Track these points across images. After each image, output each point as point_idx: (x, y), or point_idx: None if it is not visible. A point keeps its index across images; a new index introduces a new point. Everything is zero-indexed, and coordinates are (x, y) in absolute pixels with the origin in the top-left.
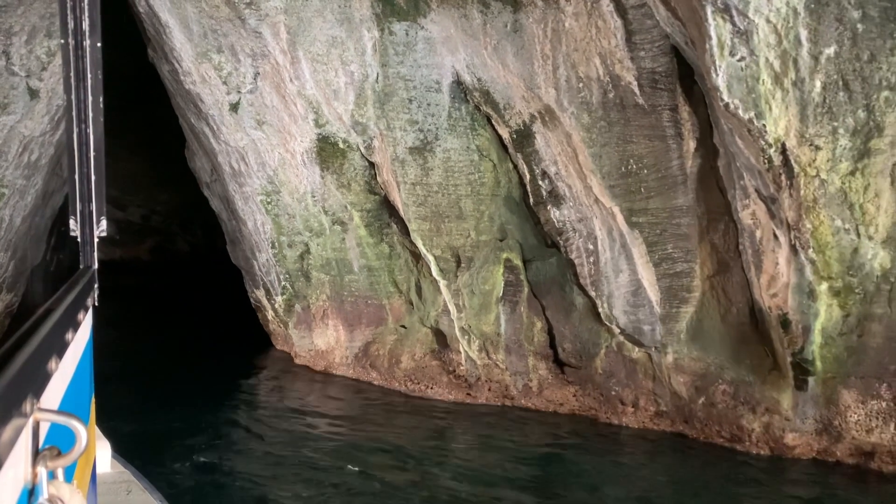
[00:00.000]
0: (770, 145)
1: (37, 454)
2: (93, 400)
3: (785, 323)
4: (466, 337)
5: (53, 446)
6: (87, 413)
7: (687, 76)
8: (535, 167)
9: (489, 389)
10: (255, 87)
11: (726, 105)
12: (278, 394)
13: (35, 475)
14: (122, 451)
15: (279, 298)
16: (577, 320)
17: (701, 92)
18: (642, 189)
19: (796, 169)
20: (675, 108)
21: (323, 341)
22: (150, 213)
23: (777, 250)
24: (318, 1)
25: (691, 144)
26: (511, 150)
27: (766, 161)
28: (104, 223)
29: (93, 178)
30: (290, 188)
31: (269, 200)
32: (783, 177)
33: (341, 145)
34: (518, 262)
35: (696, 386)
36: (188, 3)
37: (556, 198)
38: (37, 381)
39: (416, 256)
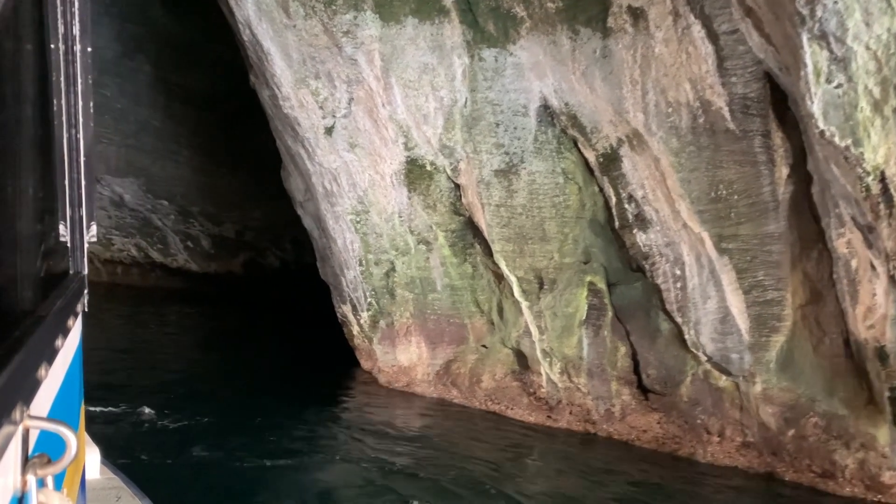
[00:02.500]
0: (868, 173)
1: (26, 462)
2: (83, 406)
3: (882, 356)
4: (548, 359)
5: (43, 454)
6: (77, 420)
7: (780, 102)
8: (621, 191)
9: (570, 413)
10: (348, 111)
11: (822, 132)
12: (360, 408)
13: (25, 483)
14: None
15: (365, 314)
16: (662, 346)
17: (794, 117)
18: (732, 215)
19: None
20: (767, 134)
21: (406, 357)
22: (243, 228)
23: (874, 280)
24: (412, 29)
25: (784, 171)
26: (597, 173)
27: (863, 189)
28: (94, 228)
29: (83, 183)
30: (378, 208)
31: (358, 220)
32: (882, 205)
33: (429, 168)
34: (602, 285)
35: (785, 417)
36: (289, 31)
37: (642, 222)
38: (26, 388)
39: (499, 277)
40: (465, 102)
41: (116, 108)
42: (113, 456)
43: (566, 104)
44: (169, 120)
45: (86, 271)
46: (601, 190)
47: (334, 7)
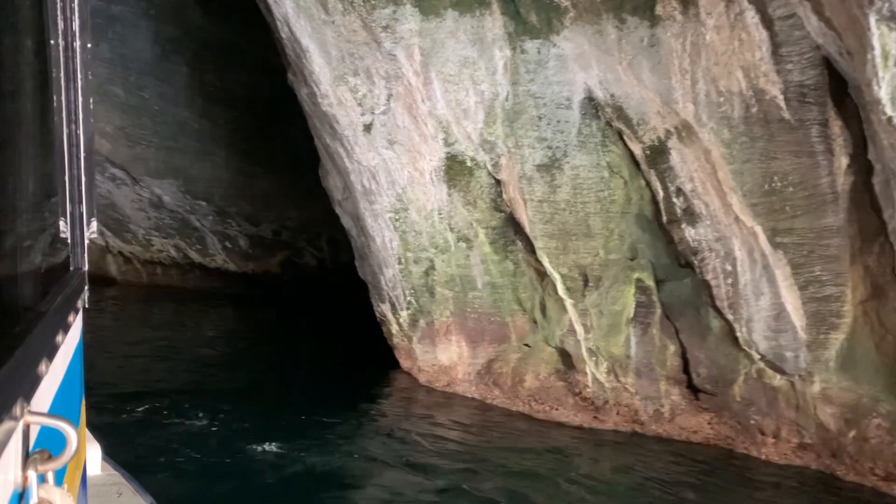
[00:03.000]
0: None
1: (27, 458)
2: (83, 402)
3: None
4: (594, 358)
5: (44, 450)
6: (78, 415)
7: (839, 89)
8: (669, 184)
9: (617, 413)
10: (387, 108)
11: (889, 119)
12: (400, 407)
13: (25, 479)
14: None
15: (404, 313)
16: (712, 344)
17: (854, 105)
18: (787, 208)
19: None
20: (825, 123)
21: (446, 357)
22: (280, 228)
23: None
24: (452, 22)
25: (843, 161)
26: (643, 166)
27: None
28: (94, 225)
29: (83, 179)
30: (417, 206)
31: (397, 217)
32: None
33: (469, 163)
34: (650, 282)
35: (845, 418)
36: (327, 28)
37: (691, 216)
38: (27, 384)
39: (541, 274)
40: (507, 96)
41: (155, 109)
42: (152, 456)
43: (612, 95)
44: (206, 121)
45: (86, 267)
46: (648, 184)
47: (373, 2)
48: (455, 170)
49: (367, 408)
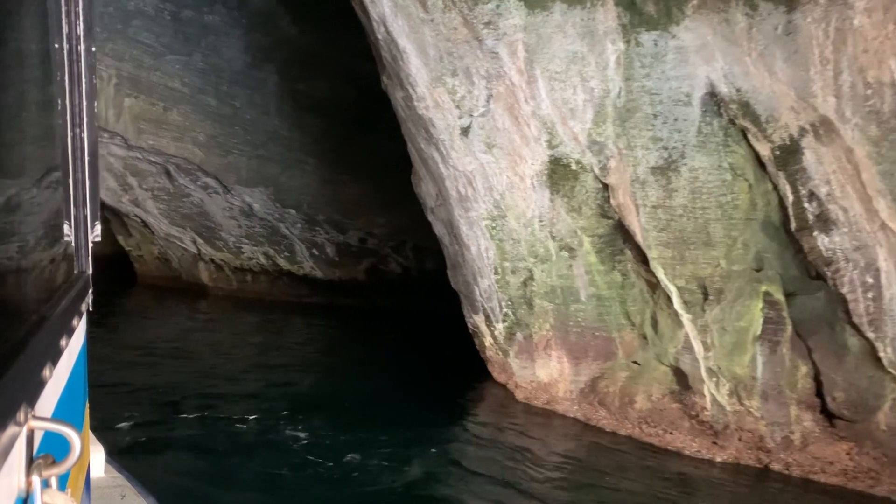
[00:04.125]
0: None
1: (31, 463)
2: (87, 405)
3: None
4: (714, 379)
5: (48, 454)
6: (82, 419)
7: None
8: (800, 187)
9: (740, 439)
10: (487, 109)
11: None
12: (494, 423)
13: (29, 484)
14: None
15: (500, 326)
16: (851, 365)
17: None
18: None
19: None
20: None
21: (545, 373)
22: (367, 236)
23: None
24: (560, 15)
25: None
26: (771, 168)
27: None
28: (98, 228)
29: (87, 182)
30: (516, 213)
31: (493, 225)
32: None
33: (574, 167)
34: (780, 295)
35: None
36: (426, 26)
37: (824, 222)
38: (31, 389)
39: (653, 286)
40: (619, 93)
41: (246, 118)
42: (243, 464)
43: (737, 90)
44: (296, 129)
45: (90, 271)
46: (775, 187)
47: None
48: (559, 174)
49: (461, 421)
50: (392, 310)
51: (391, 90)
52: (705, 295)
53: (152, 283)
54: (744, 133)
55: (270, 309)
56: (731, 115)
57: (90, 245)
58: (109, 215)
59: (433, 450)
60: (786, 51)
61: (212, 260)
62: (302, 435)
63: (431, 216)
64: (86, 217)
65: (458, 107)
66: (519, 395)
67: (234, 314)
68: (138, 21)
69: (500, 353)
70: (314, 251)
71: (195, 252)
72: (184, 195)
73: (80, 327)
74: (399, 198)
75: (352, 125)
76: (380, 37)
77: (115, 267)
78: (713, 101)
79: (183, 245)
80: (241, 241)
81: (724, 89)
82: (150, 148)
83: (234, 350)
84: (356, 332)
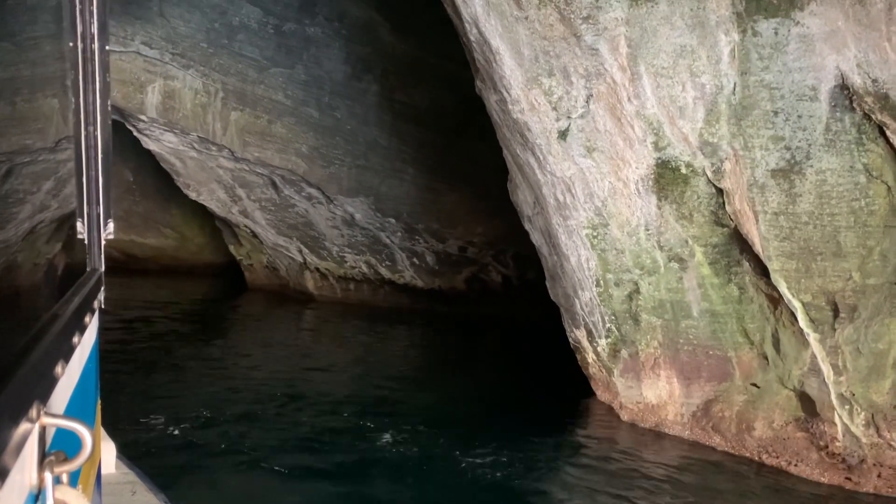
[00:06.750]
0: None
1: (43, 459)
2: (98, 402)
3: None
4: (847, 406)
5: (60, 451)
6: (93, 416)
7: None
8: None
9: (878, 476)
10: (586, 110)
11: None
12: (600, 444)
13: (42, 481)
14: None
15: (602, 342)
16: None
17: None
18: None
19: None
20: None
21: (653, 394)
22: (466, 244)
23: None
24: (666, 6)
25: None
26: None
27: None
28: (111, 226)
29: (100, 180)
30: (619, 221)
31: (595, 234)
32: None
33: (684, 170)
34: None
35: None
36: (520, 25)
37: None
38: (43, 386)
39: (775, 302)
40: (734, 88)
41: (346, 129)
42: (346, 468)
43: (874, 81)
44: (395, 138)
45: (103, 268)
46: None
47: None
48: (666, 178)
49: (563, 438)
50: (493, 319)
51: (485, 94)
52: (835, 312)
53: (262, 290)
54: (881, 129)
55: (374, 316)
56: (866, 109)
57: (103, 242)
58: (220, 225)
59: (540, 461)
60: None
61: (317, 269)
62: (404, 441)
63: (528, 225)
64: (98, 215)
65: (555, 109)
66: (624, 416)
67: (340, 322)
68: (242, 35)
69: (604, 370)
70: (414, 260)
71: (301, 261)
72: (289, 205)
73: (93, 324)
74: (498, 206)
75: (450, 133)
76: (472, 38)
77: (227, 275)
78: (844, 94)
79: (290, 254)
80: (344, 250)
81: (857, 80)
82: (255, 160)
83: (339, 354)
84: (457, 341)
